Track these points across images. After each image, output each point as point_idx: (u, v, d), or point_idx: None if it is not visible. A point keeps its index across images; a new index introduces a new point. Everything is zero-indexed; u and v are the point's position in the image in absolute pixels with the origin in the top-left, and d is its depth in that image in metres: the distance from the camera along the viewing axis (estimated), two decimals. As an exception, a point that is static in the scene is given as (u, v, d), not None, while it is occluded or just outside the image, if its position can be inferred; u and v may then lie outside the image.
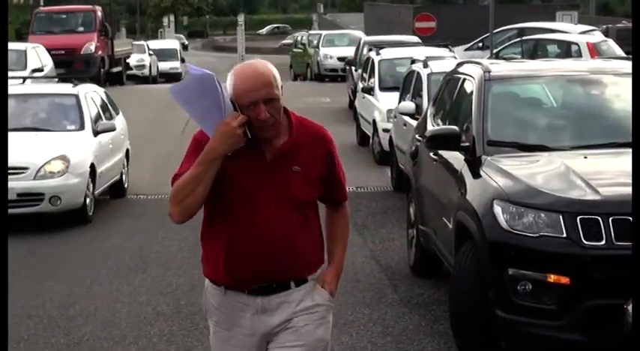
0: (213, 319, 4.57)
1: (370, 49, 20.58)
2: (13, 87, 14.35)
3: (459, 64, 9.75)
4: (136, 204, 14.05)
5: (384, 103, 16.48)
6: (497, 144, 7.69)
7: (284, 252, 4.38)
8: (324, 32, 42.78)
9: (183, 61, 48.95)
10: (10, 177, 11.46)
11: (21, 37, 32.96)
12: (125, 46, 39.56)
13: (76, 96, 13.70)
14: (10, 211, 10.78)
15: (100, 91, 15.39)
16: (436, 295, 8.70)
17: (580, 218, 6.38)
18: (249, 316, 4.46)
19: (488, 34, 24.13)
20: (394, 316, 8.23)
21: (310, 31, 50.85)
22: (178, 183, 4.31)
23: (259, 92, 4.22)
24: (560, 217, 6.44)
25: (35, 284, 9.53)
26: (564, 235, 6.39)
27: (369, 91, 17.81)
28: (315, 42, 39.09)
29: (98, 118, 13.89)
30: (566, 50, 22.15)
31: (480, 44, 27.14)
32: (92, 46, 32.51)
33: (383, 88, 17.37)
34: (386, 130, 15.38)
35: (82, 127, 13.23)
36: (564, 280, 6.39)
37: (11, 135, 11.94)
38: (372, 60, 18.78)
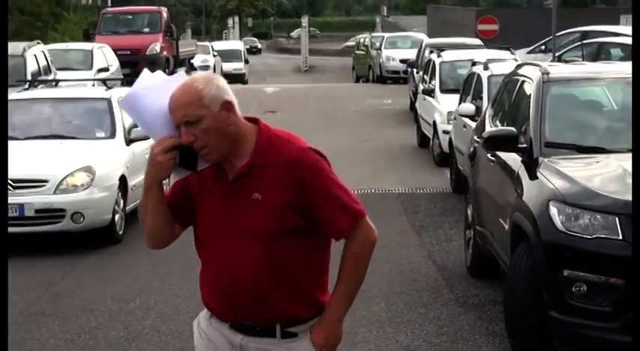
0: (195, 336, 4.11)
1: (431, 52, 20.53)
2: (40, 90, 13.74)
3: (518, 66, 9.72)
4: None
5: (444, 105, 16.45)
6: (554, 146, 7.65)
7: (245, 292, 3.79)
8: (386, 34, 42.81)
9: (247, 62, 49.25)
10: (28, 191, 10.69)
11: (88, 38, 33.29)
12: (190, 47, 39.87)
13: (108, 100, 12.44)
14: (28, 229, 10.67)
15: None
16: (492, 296, 8.68)
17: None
18: (228, 349, 3.96)
19: (550, 38, 23.95)
20: (450, 316, 8.23)
21: (373, 34, 50.82)
22: None
23: (177, 113, 3.72)
24: (617, 219, 6.40)
25: (96, 280, 9.70)
26: (620, 237, 6.35)
27: (429, 93, 17.78)
28: (378, 44, 39.15)
29: (135, 124, 12.20)
30: (630, 54, 21.88)
31: (543, 47, 26.90)
32: (157, 47, 32.78)
33: (444, 90, 17.34)
34: (446, 132, 15.35)
35: (112, 135, 12.00)
36: (619, 282, 6.35)
37: (33, 143, 11.56)
38: (433, 62, 18.75)
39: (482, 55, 17.35)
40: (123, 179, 11.51)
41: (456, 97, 15.08)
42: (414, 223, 11.83)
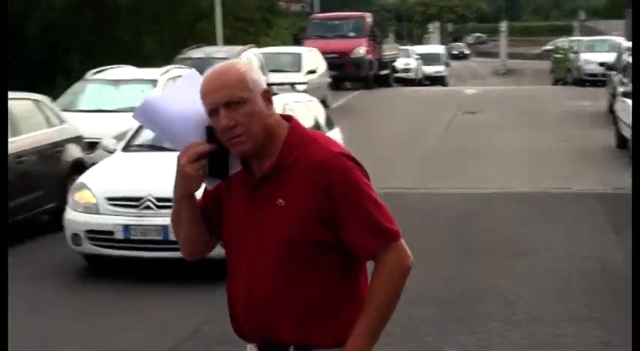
0: None
1: (630, 54, 19.97)
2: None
3: None
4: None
5: (644, 106, 15.95)
6: None
7: (259, 303, 3.30)
8: (584, 38, 41.95)
9: (447, 65, 49.08)
10: (160, 211, 9.06)
11: (297, 41, 33.99)
12: (392, 51, 40.11)
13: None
14: (172, 254, 8.60)
15: (313, 102, 13.00)
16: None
17: None
18: None
19: None
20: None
21: (571, 38, 49.80)
22: None
23: (217, 94, 3.18)
24: None
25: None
26: None
27: (628, 95, 17.30)
28: (576, 48, 38.38)
29: None
30: None
31: None
32: (362, 50, 33.20)
33: (643, 93, 16.83)
34: (645, 134, 14.90)
35: None
36: None
37: (154, 155, 9.98)
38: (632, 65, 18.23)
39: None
40: None
41: (657, 99, 14.62)
42: (614, 223, 11.55)
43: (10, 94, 11.42)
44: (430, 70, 47.18)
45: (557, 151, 18.08)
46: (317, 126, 11.93)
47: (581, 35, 55.37)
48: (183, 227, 3.40)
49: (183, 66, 17.49)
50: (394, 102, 29.02)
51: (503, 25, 61.22)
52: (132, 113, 3.38)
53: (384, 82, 36.22)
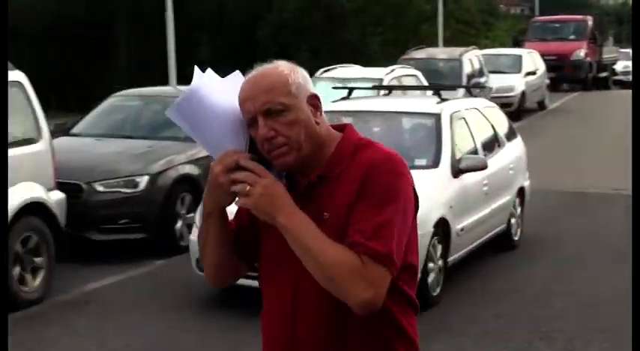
0: None
1: None
2: (356, 101, 10.24)
3: None
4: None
5: None
6: None
7: (304, 345, 2.71)
8: None
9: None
10: None
11: (517, 44, 33.67)
12: (612, 54, 39.22)
13: (437, 117, 9.12)
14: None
15: (493, 109, 10.73)
16: None
17: None
18: None
19: None
20: None
21: None
22: None
23: (256, 101, 2.64)
24: None
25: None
26: None
27: None
28: None
29: (484, 147, 9.62)
30: None
31: None
32: (582, 53, 32.60)
33: None
34: None
35: (435, 163, 8.63)
36: None
37: None
38: None
39: None
40: (442, 223, 8.25)
41: None
42: None
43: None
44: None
45: None
46: (495, 135, 10.14)
47: None
48: (211, 248, 2.79)
49: (406, 66, 17.67)
50: (612, 104, 28.28)
51: None
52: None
53: (602, 84, 35.40)
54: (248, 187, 2.59)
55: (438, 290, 8.16)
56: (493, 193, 9.38)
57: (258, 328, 2.84)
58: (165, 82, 18.62)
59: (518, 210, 10.36)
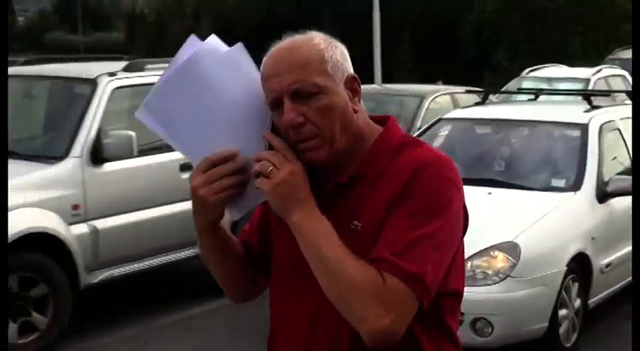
0: None
1: None
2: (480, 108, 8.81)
3: None
4: None
5: None
6: None
7: None
8: None
9: None
10: None
11: None
12: None
13: (583, 128, 7.47)
14: None
15: None
16: None
17: None
18: None
19: None
20: None
21: None
22: None
23: (283, 78, 2.08)
24: None
25: None
26: None
27: None
28: None
29: (622, 169, 7.56)
30: None
31: None
32: None
33: None
34: None
35: (577, 185, 7.01)
36: None
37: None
38: None
39: None
40: (581, 258, 6.66)
41: None
42: None
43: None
44: None
45: None
46: None
47: None
48: (215, 266, 2.32)
49: (613, 66, 17.11)
50: None
51: None
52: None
53: None
54: (271, 168, 2.04)
55: (574, 338, 6.73)
56: None
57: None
58: (369, 80, 18.77)
59: None
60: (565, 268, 6.43)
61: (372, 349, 2.02)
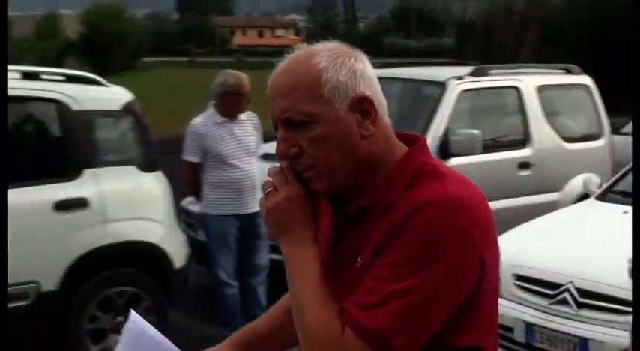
0: None
1: None
2: None
3: None
4: None
5: None
6: None
7: None
8: None
9: None
10: (580, 313, 5.35)
11: None
12: None
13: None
14: None
15: None
16: None
17: None
18: None
19: None
20: None
21: None
22: None
23: (275, 104, 1.86)
24: None
25: None
26: None
27: None
28: None
29: None
30: None
31: None
32: None
33: None
34: None
35: None
36: None
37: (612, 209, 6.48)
38: None
39: None
40: None
41: None
42: None
43: None
44: None
45: None
46: None
47: None
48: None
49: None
50: None
51: None
52: None
53: None
54: (270, 189, 1.88)
55: None
56: None
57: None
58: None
59: None
60: None
61: None
